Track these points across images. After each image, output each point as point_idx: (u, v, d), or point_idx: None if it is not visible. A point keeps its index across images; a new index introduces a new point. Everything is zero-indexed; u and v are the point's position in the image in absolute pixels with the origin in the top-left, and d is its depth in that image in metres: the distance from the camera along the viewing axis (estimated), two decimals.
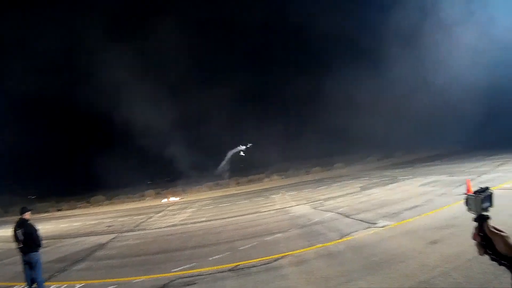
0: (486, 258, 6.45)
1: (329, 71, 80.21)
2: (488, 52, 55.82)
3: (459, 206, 16.03)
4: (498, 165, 30.13)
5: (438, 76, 66.16)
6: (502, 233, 2.01)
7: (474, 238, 2.16)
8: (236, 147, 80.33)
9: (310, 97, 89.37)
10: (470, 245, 7.73)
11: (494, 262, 2.02)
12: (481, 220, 2.15)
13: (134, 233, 22.74)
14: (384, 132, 70.45)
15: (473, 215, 2.20)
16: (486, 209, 2.17)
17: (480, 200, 2.17)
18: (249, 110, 79.75)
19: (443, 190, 21.61)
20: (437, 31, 63.76)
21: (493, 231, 2.04)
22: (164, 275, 11.81)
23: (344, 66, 74.01)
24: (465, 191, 18.06)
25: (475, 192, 2.22)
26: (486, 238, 2.08)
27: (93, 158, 70.49)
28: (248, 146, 78.20)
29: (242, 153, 79.65)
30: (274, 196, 35.78)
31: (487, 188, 2.22)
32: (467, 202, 2.24)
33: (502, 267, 2.03)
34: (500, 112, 64.05)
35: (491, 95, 60.09)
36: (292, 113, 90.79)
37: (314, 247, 12.78)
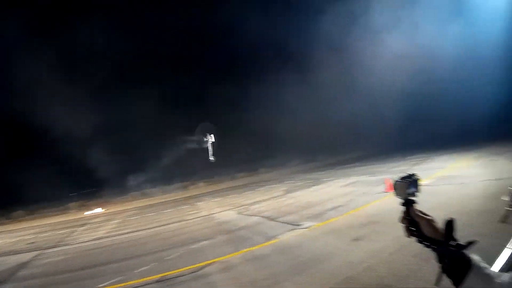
0: (407, 251, 6.82)
1: (255, 75, 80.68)
2: (412, 59, 58.06)
3: (380, 204, 16.74)
4: (414, 164, 31.60)
5: (363, 81, 68.08)
6: (427, 217, 2.08)
7: (401, 222, 2.22)
8: (162, 153, 79.12)
9: (235, 102, 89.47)
10: (391, 240, 8.09)
11: (420, 244, 2.10)
12: (408, 204, 2.21)
13: (58, 249, 21.76)
14: (308, 136, 71.60)
15: (401, 200, 2.26)
16: (412, 194, 2.24)
17: (406, 185, 2.25)
18: (175, 115, 78.66)
19: (364, 190, 22.36)
20: (364, 37, 65.59)
21: (419, 215, 2.11)
22: None
23: (271, 70, 74.81)
24: (384, 190, 18.87)
25: (402, 178, 2.31)
26: (412, 222, 2.14)
27: (9, 170, 67.41)
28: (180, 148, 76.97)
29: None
30: (199, 203, 35.74)
31: (413, 175, 2.31)
32: (394, 187, 2.31)
33: (425, 261, 2.15)
34: (419, 116, 66.90)
35: (412, 100, 62.66)
36: (218, 117, 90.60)
37: (241, 252, 12.83)
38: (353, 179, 30.09)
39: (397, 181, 2.27)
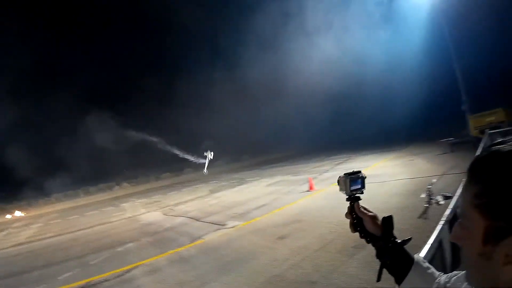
0: (331, 248, 7.16)
1: (183, 72, 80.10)
2: (340, 62, 59.33)
3: (304, 202, 17.12)
4: (337, 164, 32.48)
5: (293, 81, 68.80)
6: (370, 213, 2.17)
7: (346, 217, 2.28)
8: (84, 152, 76.88)
9: (159, 98, 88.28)
10: (315, 237, 8.42)
11: (362, 239, 2.16)
12: (352, 201, 2.27)
13: None
14: (235, 135, 71.69)
15: (346, 196, 2.31)
16: (356, 191, 2.29)
17: (349, 181, 2.29)
18: (97, 112, 76.69)
19: (288, 189, 22.78)
20: (295, 38, 66.28)
21: (362, 211, 2.19)
22: None
23: (200, 69, 74.57)
24: (307, 189, 19.29)
25: (346, 174, 2.34)
26: (357, 218, 2.21)
27: None
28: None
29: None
30: (124, 204, 35.35)
31: (359, 172, 2.35)
32: (338, 182, 2.36)
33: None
34: (345, 117, 68.56)
35: (339, 102, 64.16)
36: (141, 114, 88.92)
37: (166, 253, 12.82)
38: (277, 178, 30.67)
39: (340, 176, 2.33)
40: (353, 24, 58.16)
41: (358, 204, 2.20)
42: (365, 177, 2.31)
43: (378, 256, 2.01)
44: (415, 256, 1.92)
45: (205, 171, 63.80)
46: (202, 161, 70.61)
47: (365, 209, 2.17)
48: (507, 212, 1.03)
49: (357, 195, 2.25)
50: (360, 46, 58.48)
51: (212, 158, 68.37)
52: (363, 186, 2.27)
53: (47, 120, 75.39)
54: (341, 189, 2.32)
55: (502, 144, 0.94)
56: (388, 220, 2.06)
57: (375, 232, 2.06)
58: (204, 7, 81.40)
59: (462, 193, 1.24)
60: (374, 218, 2.10)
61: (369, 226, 2.09)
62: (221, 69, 74.11)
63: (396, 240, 2.00)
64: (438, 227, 4.33)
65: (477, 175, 1.17)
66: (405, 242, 1.99)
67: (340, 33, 59.28)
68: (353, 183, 2.26)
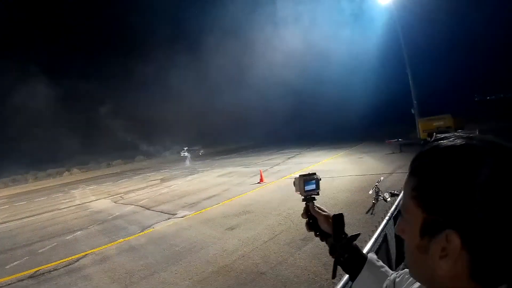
0: (280, 239, 7.53)
1: (141, 55, 79.16)
2: (304, 57, 59.65)
3: (254, 194, 17.40)
4: (288, 158, 33.03)
5: (253, 73, 68.65)
6: (324, 213, 2.27)
7: (302, 217, 2.38)
8: (31, 134, 74.88)
9: (115, 81, 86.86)
10: (265, 228, 8.78)
11: (317, 238, 2.27)
12: (307, 201, 2.37)
13: None
14: (189, 124, 71.30)
15: (301, 197, 2.42)
16: (310, 192, 2.40)
17: (303, 182, 2.39)
18: (49, 90, 74.87)
19: (239, 180, 23.10)
20: (260, 29, 66.07)
21: (317, 211, 2.29)
22: None
23: (161, 52, 73.66)
24: (258, 181, 19.58)
25: (301, 176, 2.44)
26: (311, 217, 2.32)
27: None
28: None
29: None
30: (74, 191, 34.96)
31: (314, 174, 2.46)
32: (294, 183, 2.47)
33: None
34: (300, 112, 69.05)
35: (295, 97, 64.55)
36: (94, 100, 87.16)
37: (116, 242, 12.87)
38: (229, 169, 31.02)
39: (295, 177, 2.45)
40: (319, 19, 58.76)
41: (313, 204, 2.33)
42: (320, 179, 2.44)
43: (330, 252, 2.11)
44: (369, 255, 2.04)
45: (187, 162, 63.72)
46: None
47: (319, 209, 2.29)
48: (442, 206, 1.06)
49: (312, 196, 2.38)
50: (323, 43, 59.09)
51: (187, 154, 67.95)
52: (318, 188, 2.39)
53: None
54: (296, 190, 2.44)
55: (444, 140, 1.02)
56: (339, 218, 2.15)
57: (328, 231, 2.18)
58: None
59: (404, 185, 1.27)
60: (327, 217, 2.21)
61: (323, 225, 2.21)
62: (183, 54, 73.42)
63: (346, 236, 2.11)
64: (383, 222, 4.59)
65: (416, 168, 1.20)
66: (353, 237, 2.11)
67: (307, 27, 59.77)
68: (307, 184, 2.40)
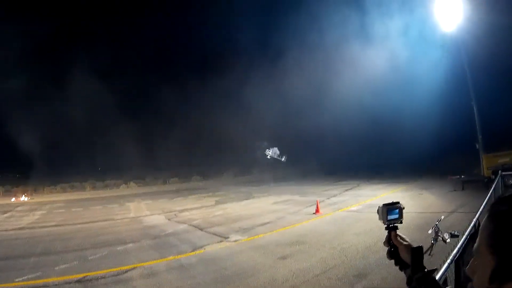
0: (332, 274, 7.06)
1: (196, 80, 79.94)
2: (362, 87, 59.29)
3: (309, 224, 17.03)
4: (346, 190, 32.36)
5: (321, 96, 68.29)
6: (405, 243, 2.26)
7: (384, 245, 2.39)
8: (97, 147, 76.84)
9: (172, 107, 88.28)
10: (317, 261, 8.28)
11: (396, 266, 2.29)
12: (390, 229, 2.39)
13: None
14: (248, 148, 71.35)
15: (384, 225, 2.44)
16: (393, 221, 2.42)
17: (386, 211, 2.42)
18: (110, 114, 76.74)
19: (295, 209, 22.64)
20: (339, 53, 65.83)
21: (398, 240, 2.28)
22: (5, 285, 11.03)
23: (214, 76, 74.49)
24: (314, 211, 19.17)
25: (384, 205, 2.46)
26: (393, 246, 2.32)
27: None
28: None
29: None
30: (129, 203, 35.22)
31: (397, 203, 2.48)
32: (377, 211, 2.47)
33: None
34: (361, 144, 68.18)
35: (358, 128, 64.04)
36: (154, 120, 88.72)
37: (166, 259, 12.73)
38: (285, 197, 30.53)
39: (379, 206, 2.44)
40: (381, 51, 57.96)
41: (395, 233, 2.34)
42: (403, 208, 2.46)
43: (407, 283, 2.14)
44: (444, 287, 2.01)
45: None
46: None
47: (401, 238, 2.30)
48: None
49: (395, 224, 2.40)
50: (383, 73, 58.28)
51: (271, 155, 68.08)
52: (401, 216, 2.44)
53: (69, 109, 75.83)
54: (379, 218, 2.45)
55: None
56: (418, 250, 2.18)
57: (408, 261, 2.18)
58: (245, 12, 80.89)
59: (480, 228, 1.31)
60: (408, 247, 2.21)
61: (403, 254, 2.22)
62: (257, 68, 73.56)
63: (425, 269, 2.10)
64: (445, 266, 4.31)
65: (494, 214, 1.25)
66: (431, 272, 2.11)
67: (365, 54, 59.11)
68: (390, 213, 2.42)
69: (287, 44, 67.80)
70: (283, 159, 65.46)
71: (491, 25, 36.61)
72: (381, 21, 55.32)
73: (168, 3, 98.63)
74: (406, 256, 2.20)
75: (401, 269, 2.26)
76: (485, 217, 1.29)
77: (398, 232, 2.38)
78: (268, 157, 65.92)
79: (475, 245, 1.33)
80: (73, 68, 71.89)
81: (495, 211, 1.25)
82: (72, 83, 69.18)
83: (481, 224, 1.31)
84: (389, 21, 53.89)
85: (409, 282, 2.13)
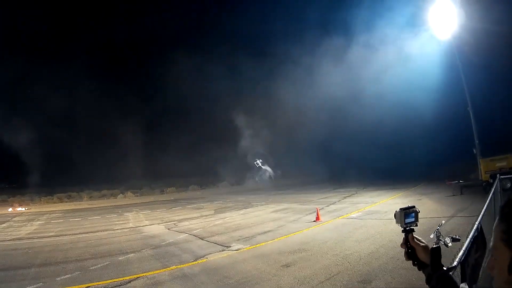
0: (336, 280, 6.99)
1: (195, 88, 79.93)
2: (361, 92, 59.32)
3: (310, 232, 17.01)
4: (345, 197, 32.60)
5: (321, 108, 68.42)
6: (422, 244, 2.42)
7: (401, 247, 2.52)
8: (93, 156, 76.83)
9: (169, 116, 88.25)
10: (321, 268, 8.27)
11: (414, 267, 2.42)
12: (407, 232, 2.52)
13: None
14: (244, 157, 71.39)
15: (401, 228, 2.58)
16: (410, 224, 2.55)
17: (403, 215, 2.57)
18: (108, 124, 76.69)
19: (295, 217, 22.71)
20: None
21: (415, 242, 2.43)
22: None
23: (212, 86, 74.66)
24: (314, 219, 19.15)
25: (401, 209, 2.61)
26: (410, 247, 2.45)
27: None
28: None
29: None
30: (128, 213, 35.20)
31: (413, 207, 2.62)
32: (395, 216, 2.62)
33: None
34: (358, 152, 68.31)
35: (356, 135, 64.25)
36: (152, 130, 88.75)
37: (169, 268, 12.62)
38: (284, 205, 30.71)
39: (396, 211, 2.59)
40: (372, 57, 58.16)
41: (412, 235, 2.49)
42: (419, 212, 2.63)
43: (427, 282, 2.30)
44: (461, 285, 2.27)
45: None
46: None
47: (417, 239, 2.46)
48: None
49: (411, 227, 2.55)
50: (380, 79, 58.51)
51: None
52: (416, 219, 2.60)
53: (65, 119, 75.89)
54: (397, 222, 2.62)
55: None
56: (437, 250, 2.36)
57: (426, 261, 2.35)
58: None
59: (494, 227, 1.46)
60: (425, 248, 2.40)
61: (421, 255, 2.39)
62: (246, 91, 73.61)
63: (443, 267, 2.26)
64: (453, 265, 4.32)
65: (506, 214, 1.41)
66: (449, 269, 2.33)
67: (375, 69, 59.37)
68: (407, 217, 2.57)
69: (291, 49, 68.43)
70: (271, 172, 65.89)
71: (486, 32, 36.90)
72: (377, 30, 55.80)
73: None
74: (424, 257, 2.35)
75: (419, 268, 2.40)
76: (497, 218, 1.46)
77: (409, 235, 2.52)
78: (261, 167, 66.29)
79: (491, 243, 1.46)
80: (67, 80, 72.38)
81: (507, 211, 1.42)
82: (68, 93, 69.49)
83: (494, 225, 1.46)
84: (385, 30, 54.32)
85: (428, 280, 2.27)
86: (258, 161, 69.90)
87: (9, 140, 62.26)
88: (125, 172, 71.63)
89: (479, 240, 5.89)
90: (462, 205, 19.77)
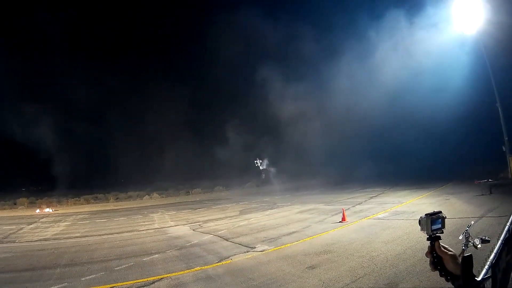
0: (363, 283, 6.78)
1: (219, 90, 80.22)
2: (391, 93, 58.87)
3: (336, 233, 16.78)
4: (371, 197, 32.11)
5: (338, 107, 68.05)
6: (450, 253, 2.22)
7: (427, 255, 2.33)
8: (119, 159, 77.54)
9: (196, 119, 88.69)
10: (347, 270, 8.06)
11: (442, 277, 2.22)
12: (432, 240, 2.33)
13: (2, 245, 20.90)
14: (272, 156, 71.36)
15: (426, 235, 2.39)
16: (436, 231, 2.36)
17: (430, 221, 2.37)
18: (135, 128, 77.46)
19: (320, 218, 22.44)
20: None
21: (443, 250, 2.23)
22: None
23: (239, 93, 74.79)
24: (340, 220, 18.92)
25: (427, 215, 2.41)
26: (437, 256, 2.26)
27: None
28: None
29: None
30: (153, 214, 35.37)
31: (439, 212, 2.42)
32: (420, 222, 2.44)
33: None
34: (385, 150, 67.62)
35: (381, 135, 63.57)
36: (178, 133, 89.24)
37: (193, 269, 12.54)
38: (309, 206, 30.33)
39: (422, 217, 2.40)
40: (401, 52, 57.42)
41: (439, 243, 2.31)
42: (445, 217, 2.42)
43: None
44: None
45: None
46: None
47: (445, 248, 2.21)
48: None
49: (437, 234, 2.36)
50: (407, 76, 57.69)
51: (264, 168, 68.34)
52: (443, 226, 2.40)
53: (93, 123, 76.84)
54: (422, 229, 2.44)
55: None
56: (468, 259, 2.12)
57: (454, 271, 2.15)
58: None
59: None
60: (454, 257, 2.20)
61: (449, 265, 2.18)
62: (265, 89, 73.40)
63: (476, 279, 2.09)
64: (483, 272, 4.09)
65: None
66: (484, 280, 2.12)
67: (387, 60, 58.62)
68: (434, 223, 2.39)
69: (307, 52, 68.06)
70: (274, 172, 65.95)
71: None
72: (401, 28, 55.19)
73: None
74: (453, 267, 2.15)
75: (447, 280, 2.21)
76: None
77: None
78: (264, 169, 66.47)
79: None
80: (98, 87, 73.34)
81: None
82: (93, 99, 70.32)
83: None
84: (409, 29, 53.74)
85: None
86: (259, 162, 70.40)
87: (37, 143, 63.33)
88: (152, 173, 72.24)
89: (510, 242, 5.62)
90: (491, 205, 19.31)
